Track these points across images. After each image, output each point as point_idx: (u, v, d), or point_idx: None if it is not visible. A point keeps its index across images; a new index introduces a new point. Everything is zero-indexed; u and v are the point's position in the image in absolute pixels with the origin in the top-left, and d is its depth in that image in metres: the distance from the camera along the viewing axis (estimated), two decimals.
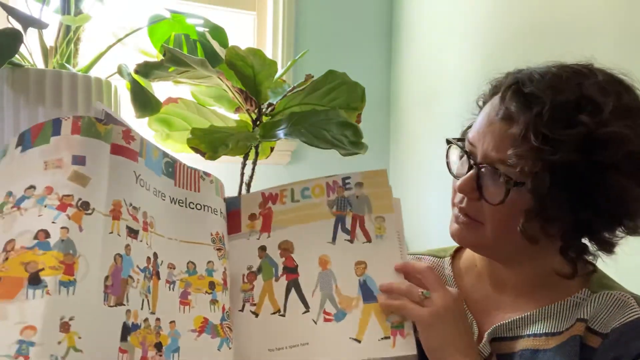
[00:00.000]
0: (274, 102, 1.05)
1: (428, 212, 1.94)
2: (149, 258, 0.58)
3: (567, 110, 0.56)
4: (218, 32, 1.13)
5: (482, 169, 0.62)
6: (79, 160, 0.56)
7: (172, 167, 0.67)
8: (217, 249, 0.66)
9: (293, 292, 0.65)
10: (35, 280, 0.48)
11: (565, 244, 0.61)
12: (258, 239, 0.68)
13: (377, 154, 2.22)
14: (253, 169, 1.07)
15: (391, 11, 2.27)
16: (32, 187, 0.54)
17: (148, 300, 0.56)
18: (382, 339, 0.61)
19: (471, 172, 0.62)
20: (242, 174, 1.08)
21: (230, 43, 1.08)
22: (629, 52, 1.25)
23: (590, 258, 0.64)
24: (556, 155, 0.55)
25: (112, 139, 0.59)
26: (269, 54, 2.00)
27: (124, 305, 0.53)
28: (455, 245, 0.79)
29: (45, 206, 0.52)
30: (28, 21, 0.92)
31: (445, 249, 0.80)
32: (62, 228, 0.51)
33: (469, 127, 0.69)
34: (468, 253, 0.77)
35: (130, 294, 0.54)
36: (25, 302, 0.47)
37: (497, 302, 0.69)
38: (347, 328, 0.62)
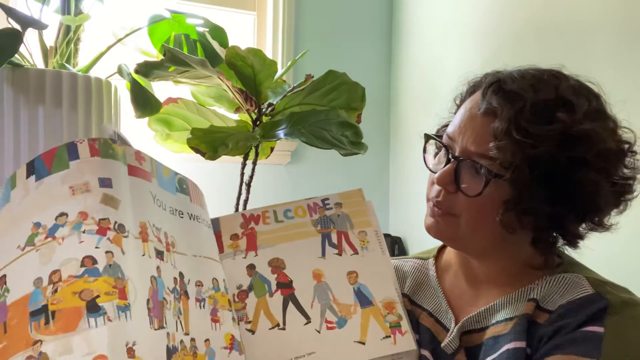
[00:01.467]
0: (274, 102, 1.05)
1: None
2: (175, 278, 0.57)
3: (546, 108, 0.60)
4: (218, 32, 1.13)
5: (461, 162, 0.64)
6: (106, 182, 0.55)
7: (185, 184, 0.67)
8: None
9: (291, 305, 0.66)
10: (93, 308, 0.46)
11: (538, 236, 0.64)
12: (244, 257, 0.70)
13: (377, 154, 2.22)
14: (253, 169, 1.07)
15: (391, 11, 2.27)
16: (64, 214, 0.52)
17: (181, 322, 0.55)
18: (383, 338, 0.64)
19: (449, 165, 0.65)
20: (242, 174, 1.08)
21: (230, 43, 1.08)
22: (629, 52, 1.25)
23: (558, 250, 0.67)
24: (536, 149, 0.58)
25: (127, 160, 0.59)
26: (269, 54, 2.00)
27: (164, 327, 0.52)
28: (437, 247, 0.81)
29: (84, 232, 0.51)
30: (27, 22, 0.92)
31: (429, 251, 0.82)
32: (106, 252, 0.50)
33: (445, 125, 0.72)
34: (447, 253, 0.79)
35: (167, 316, 0.53)
36: (89, 332, 0.45)
37: (471, 297, 0.71)
38: (350, 333, 0.65)
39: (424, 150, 0.72)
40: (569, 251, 0.70)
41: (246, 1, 2.05)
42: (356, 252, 0.70)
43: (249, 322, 0.65)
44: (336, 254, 0.70)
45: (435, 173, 0.67)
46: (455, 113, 0.71)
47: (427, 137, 0.71)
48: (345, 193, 0.74)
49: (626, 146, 0.63)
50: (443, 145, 0.67)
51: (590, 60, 1.32)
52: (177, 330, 0.54)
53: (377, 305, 0.66)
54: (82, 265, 0.49)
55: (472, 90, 0.70)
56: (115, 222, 0.52)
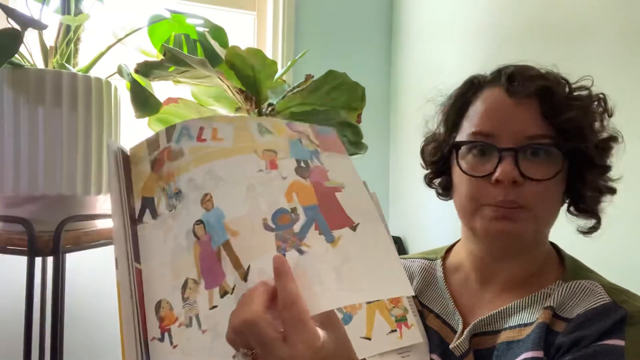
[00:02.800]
0: (274, 102, 1.05)
1: (428, 212, 1.94)
2: None
3: (565, 88, 0.67)
4: (218, 32, 1.13)
5: (521, 150, 0.62)
6: None
7: None
8: None
9: None
10: None
11: (572, 201, 0.68)
12: None
13: (377, 154, 2.22)
14: None
15: (391, 11, 2.27)
16: None
17: None
18: (389, 332, 0.64)
19: (507, 158, 0.62)
20: None
21: (230, 43, 1.08)
22: (629, 52, 1.25)
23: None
24: (594, 115, 0.65)
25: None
26: (269, 54, 2.00)
27: None
28: (444, 247, 0.80)
29: None
30: (27, 22, 0.92)
31: (436, 251, 0.81)
32: None
33: (443, 136, 0.72)
34: (456, 254, 0.77)
35: None
36: None
37: (481, 299, 0.71)
38: (356, 329, 0.64)
39: (458, 160, 0.67)
40: (568, 251, 0.70)
41: (246, 1, 2.05)
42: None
43: None
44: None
45: (482, 176, 0.63)
46: (442, 123, 0.72)
47: (457, 145, 0.67)
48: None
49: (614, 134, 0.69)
50: (487, 144, 0.64)
51: (590, 61, 1.32)
52: None
53: (382, 299, 0.66)
54: None
55: (476, 89, 0.69)
56: None
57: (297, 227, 0.51)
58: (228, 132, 0.60)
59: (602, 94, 0.68)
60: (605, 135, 0.67)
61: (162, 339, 0.51)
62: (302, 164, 0.57)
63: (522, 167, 0.61)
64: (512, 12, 1.64)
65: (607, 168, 0.67)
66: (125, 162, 0.65)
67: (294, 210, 0.52)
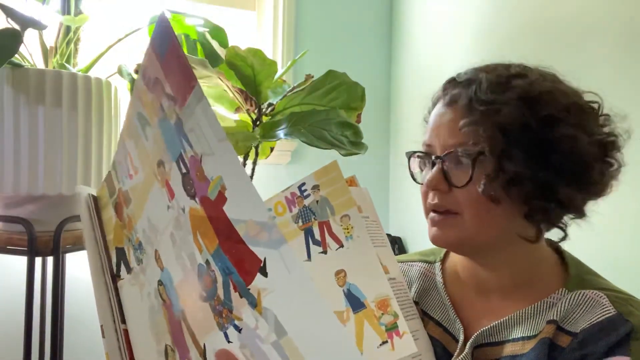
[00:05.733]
0: (274, 102, 1.05)
1: None
2: None
3: (499, 81, 0.63)
4: (218, 32, 1.13)
5: (445, 158, 0.64)
6: None
7: None
8: None
9: None
10: None
11: (531, 207, 0.62)
12: None
13: (377, 154, 2.22)
14: (253, 169, 1.07)
15: (391, 11, 2.27)
16: None
17: None
18: (380, 345, 0.59)
19: (436, 166, 0.65)
20: None
21: (230, 42, 1.08)
22: (629, 52, 1.25)
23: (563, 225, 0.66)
24: (500, 113, 0.60)
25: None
26: (269, 54, 2.00)
27: None
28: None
29: None
30: (27, 22, 0.92)
31: (434, 251, 0.80)
32: None
33: (415, 152, 0.73)
34: (453, 257, 0.77)
35: None
36: None
37: (482, 308, 0.69)
38: None
39: (409, 168, 0.72)
40: (568, 251, 0.70)
41: (246, 0, 2.05)
42: (341, 245, 0.65)
43: None
44: (321, 252, 0.65)
45: (420, 184, 0.68)
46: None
47: (409, 155, 0.72)
48: (321, 170, 0.67)
49: (595, 105, 0.64)
50: (423, 153, 0.68)
51: (589, 61, 1.32)
52: None
53: (369, 306, 0.61)
54: None
55: (436, 101, 0.71)
56: None
57: (220, 291, 0.45)
58: (134, 153, 0.55)
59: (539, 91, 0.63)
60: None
61: None
62: (182, 166, 0.48)
63: (450, 174, 0.64)
64: (512, 12, 1.64)
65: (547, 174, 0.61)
66: (97, 208, 0.63)
67: (208, 264, 0.46)
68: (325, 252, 0.65)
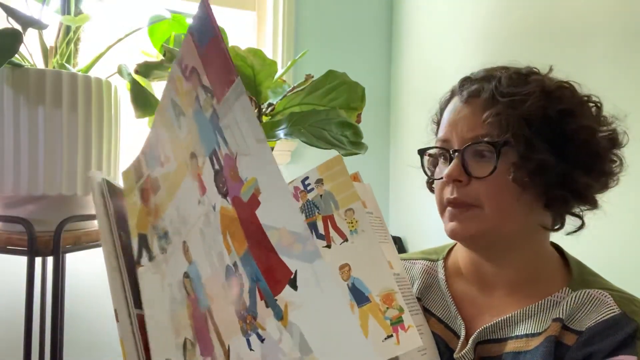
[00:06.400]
0: (274, 102, 1.05)
1: (428, 212, 1.94)
2: None
3: (519, 76, 0.66)
4: None
5: (465, 151, 0.65)
6: None
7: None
8: None
9: None
10: None
11: (551, 195, 0.64)
12: None
13: (377, 154, 2.22)
14: None
15: (391, 11, 2.27)
16: None
17: None
18: (385, 339, 0.58)
19: (455, 159, 0.65)
20: None
21: (230, 42, 1.08)
22: (629, 52, 1.25)
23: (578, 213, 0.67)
24: (525, 104, 0.63)
25: None
26: (269, 54, 2.00)
27: None
28: (446, 246, 0.79)
29: None
30: (27, 22, 0.92)
31: (437, 250, 0.80)
32: None
33: (428, 148, 0.73)
34: (456, 255, 0.77)
35: None
36: None
37: (486, 304, 0.70)
38: None
39: (422, 166, 0.73)
40: (569, 251, 0.70)
41: (246, 0, 2.05)
42: (345, 239, 0.64)
43: None
44: (325, 246, 0.64)
45: (437, 179, 0.67)
46: (436, 132, 0.73)
47: (422, 152, 0.72)
48: (324, 165, 0.66)
49: (596, 100, 0.68)
50: (441, 149, 0.68)
51: (590, 62, 1.32)
52: None
53: (374, 300, 0.60)
54: None
55: (448, 99, 0.72)
56: None
57: (246, 297, 0.44)
58: (167, 140, 0.54)
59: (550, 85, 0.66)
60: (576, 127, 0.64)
61: None
62: (215, 163, 0.47)
63: (470, 167, 0.64)
64: (512, 12, 1.64)
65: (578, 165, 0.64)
66: (112, 193, 0.62)
67: (235, 267, 0.45)
68: (329, 246, 0.64)
